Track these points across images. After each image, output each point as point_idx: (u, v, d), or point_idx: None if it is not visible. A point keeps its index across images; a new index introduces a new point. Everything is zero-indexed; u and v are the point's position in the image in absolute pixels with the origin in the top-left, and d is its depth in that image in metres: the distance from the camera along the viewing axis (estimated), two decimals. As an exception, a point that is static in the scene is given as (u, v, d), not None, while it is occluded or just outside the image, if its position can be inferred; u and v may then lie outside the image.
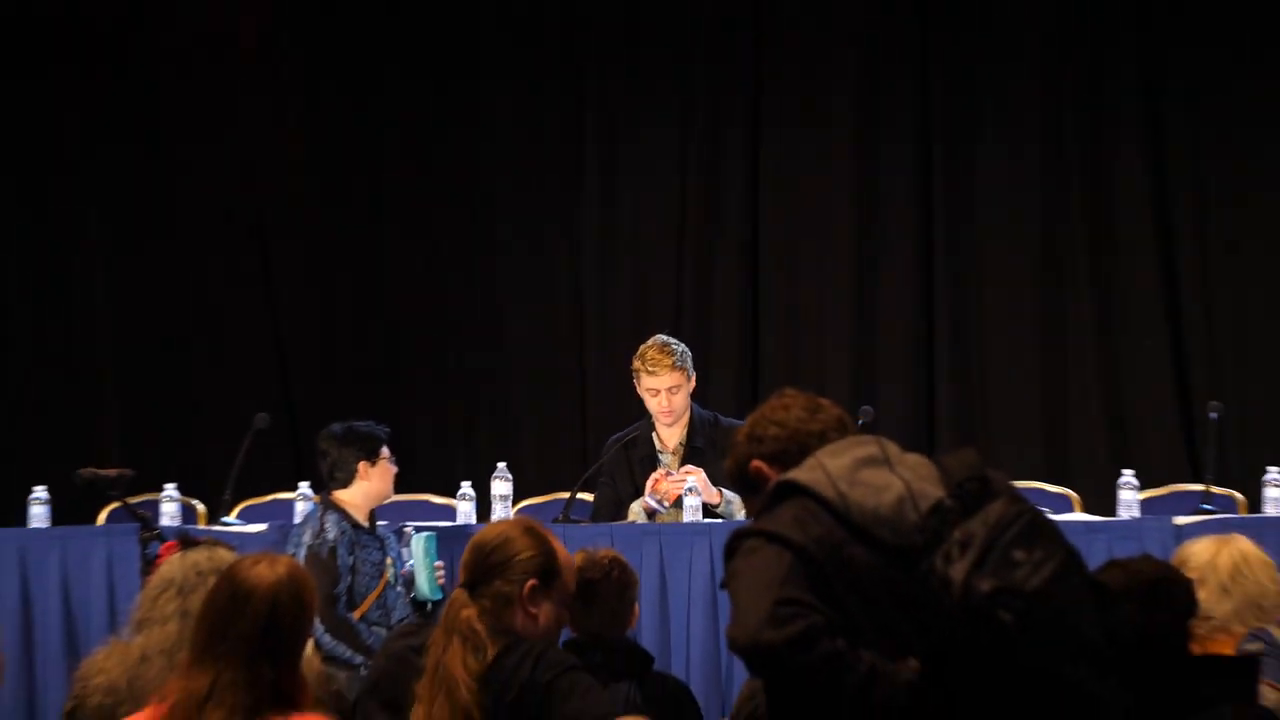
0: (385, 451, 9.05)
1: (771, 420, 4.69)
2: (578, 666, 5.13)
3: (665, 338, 9.71)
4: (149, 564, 6.07)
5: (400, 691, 5.28)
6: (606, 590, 6.54)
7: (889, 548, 4.24)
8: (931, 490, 4.25)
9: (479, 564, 5.27)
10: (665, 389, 9.52)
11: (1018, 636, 3.88)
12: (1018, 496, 4.17)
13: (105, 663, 5.55)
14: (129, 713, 5.11)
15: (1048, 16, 12.22)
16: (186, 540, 5.90)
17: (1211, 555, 6.18)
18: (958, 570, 3.96)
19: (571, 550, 5.64)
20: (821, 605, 4.20)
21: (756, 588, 4.23)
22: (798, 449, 4.55)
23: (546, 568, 5.25)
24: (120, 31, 12.97)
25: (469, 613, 5.19)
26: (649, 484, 9.47)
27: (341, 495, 8.97)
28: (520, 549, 5.26)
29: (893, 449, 4.43)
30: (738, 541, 4.35)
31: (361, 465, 8.98)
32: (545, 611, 5.24)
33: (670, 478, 9.44)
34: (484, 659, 5.11)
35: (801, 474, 4.38)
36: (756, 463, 4.67)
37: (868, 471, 4.33)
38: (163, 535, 8.19)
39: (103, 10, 12.95)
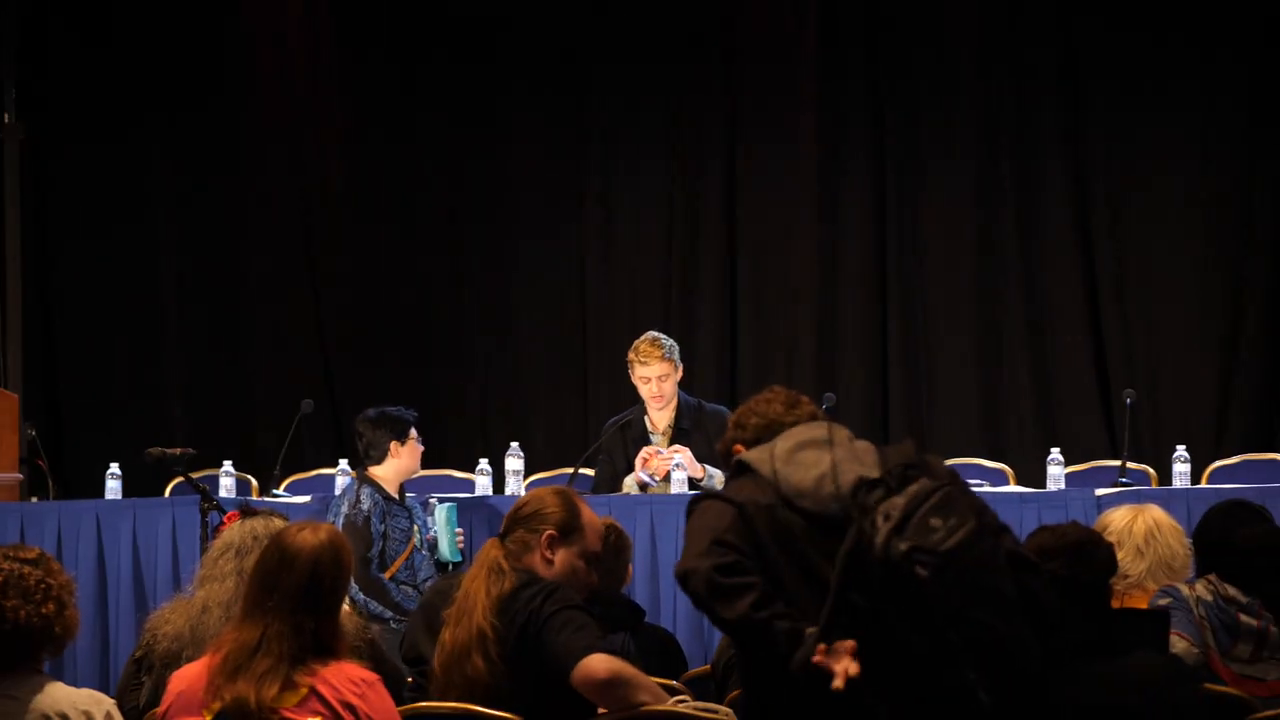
0: (413, 433, 9.00)
1: (754, 412, 4.73)
2: (579, 606, 5.14)
3: (656, 334, 9.69)
4: (215, 530, 6.05)
5: (437, 617, 5.31)
6: (605, 552, 6.50)
7: (810, 514, 4.33)
8: (858, 469, 4.28)
9: (513, 516, 5.36)
10: (656, 377, 9.50)
11: (931, 588, 3.89)
12: (942, 475, 4.17)
13: (171, 615, 5.55)
14: (192, 656, 5.11)
15: (983, 50, 12.19)
16: (247, 510, 5.89)
17: (1128, 522, 6.15)
18: (881, 534, 3.97)
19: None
20: (750, 551, 4.32)
21: (702, 533, 4.34)
22: (771, 437, 4.56)
23: (567, 524, 5.31)
24: (199, 85, 13.01)
25: (496, 552, 5.26)
26: (638, 461, 9.45)
27: (375, 471, 8.93)
28: (547, 506, 5.34)
29: (841, 434, 4.48)
30: (694, 504, 4.47)
31: (393, 444, 8.93)
32: (560, 559, 5.28)
33: (660, 455, 9.42)
34: (502, 588, 5.15)
35: (752, 454, 4.46)
36: (738, 446, 4.69)
37: (805, 452, 4.41)
38: (221, 506, 8.18)
39: (190, 56, 13.01)
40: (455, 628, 5.15)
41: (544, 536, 5.26)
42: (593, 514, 5.40)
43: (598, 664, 4.98)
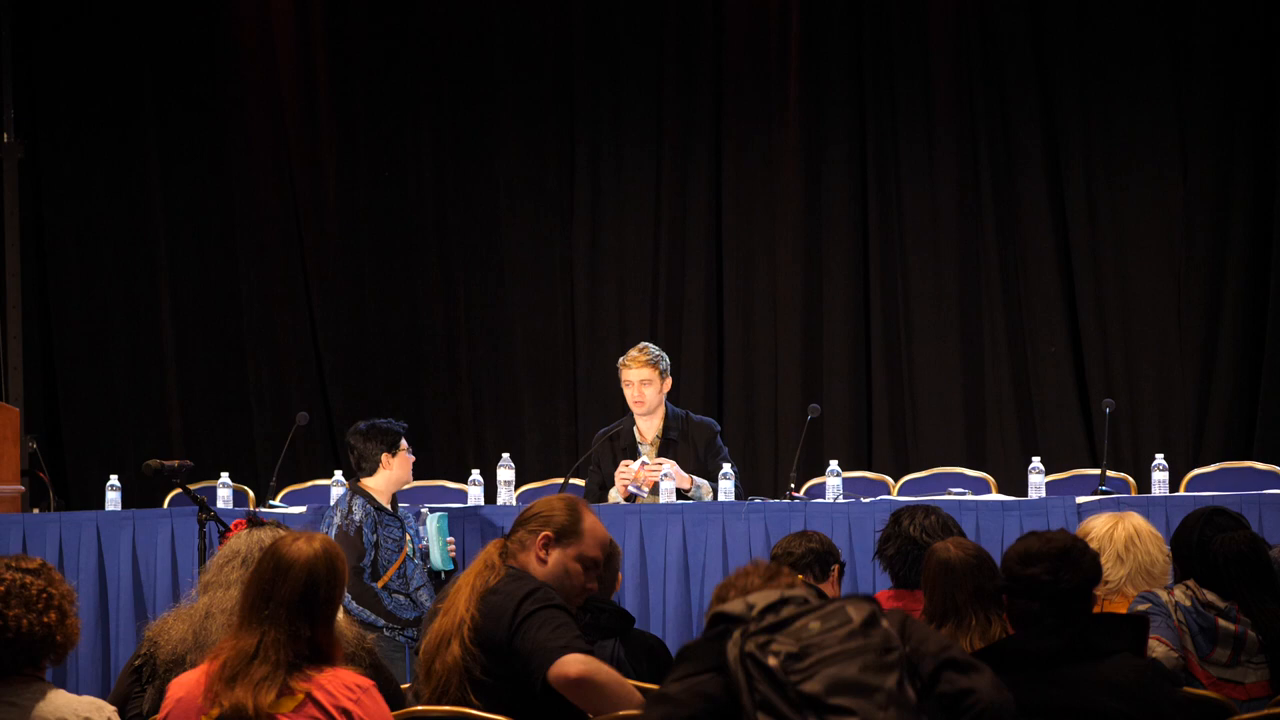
0: (404, 444, 9.01)
1: (733, 585, 4.61)
2: (560, 606, 5.12)
3: (647, 343, 9.77)
4: (222, 537, 6.02)
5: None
6: None
7: None
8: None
9: (519, 518, 5.34)
10: (638, 381, 9.58)
11: (783, 675, 3.83)
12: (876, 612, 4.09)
13: (173, 622, 5.52)
14: (196, 661, 5.10)
15: (961, 67, 12.22)
16: (254, 520, 5.87)
17: (1109, 529, 6.17)
18: (734, 641, 3.91)
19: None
20: None
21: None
22: None
23: (566, 528, 5.26)
24: (194, 104, 13.07)
25: (494, 549, 5.28)
26: (617, 476, 9.49)
27: (368, 482, 8.94)
28: (550, 510, 5.31)
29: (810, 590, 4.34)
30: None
31: (384, 456, 8.95)
32: (553, 559, 5.24)
33: (646, 467, 9.44)
34: (488, 581, 5.16)
35: (727, 605, 4.30)
36: None
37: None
38: (219, 517, 8.17)
39: (183, 73, 13.06)
40: (443, 617, 5.16)
41: (540, 537, 5.24)
42: (597, 523, 5.35)
43: (571, 664, 4.97)
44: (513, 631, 5.05)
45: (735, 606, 4.05)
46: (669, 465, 9.36)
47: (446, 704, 5.02)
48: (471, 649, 5.07)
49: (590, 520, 5.34)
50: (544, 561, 5.24)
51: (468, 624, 5.09)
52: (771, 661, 3.84)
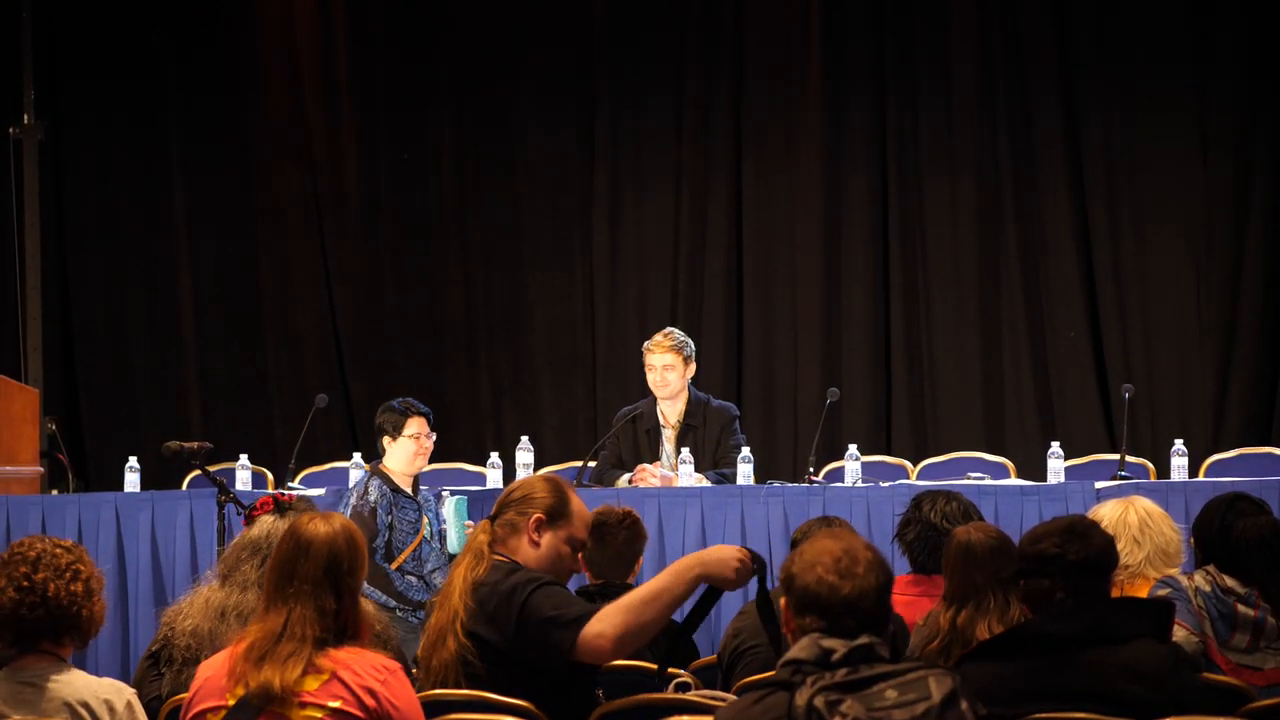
0: (410, 429, 8.95)
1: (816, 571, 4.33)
2: (551, 582, 5.10)
3: (672, 329, 9.91)
4: (249, 513, 5.95)
5: None
6: (620, 537, 6.51)
7: None
8: None
9: (504, 499, 5.32)
10: (661, 366, 9.70)
11: None
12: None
13: (190, 610, 5.50)
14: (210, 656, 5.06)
15: (982, 50, 12.22)
16: (281, 504, 5.79)
17: (1121, 514, 6.21)
18: (806, 690, 3.81)
19: (590, 509, 5.62)
20: None
21: None
22: None
23: (555, 508, 5.24)
24: (214, 87, 13.12)
25: (484, 537, 5.25)
26: (641, 478, 9.54)
27: (386, 463, 8.97)
28: (536, 491, 5.29)
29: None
30: None
31: (385, 440, 8.98)
32: (546, 542, 5.21)
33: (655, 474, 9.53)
34: (478, 572, 5.13)
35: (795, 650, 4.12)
36: None
37: None
38: (238, 499, 8.16)
39: (205, 56, 13.10)
40: (439, 611, 5.15)
41: (531, 519, 5.20)
42: (582, 504, 5.33)
43: (603, 625, 4.95)
44: (516, 622, 5.01)
45: (808, 651, 3.92)
46: (686, 449, 9.45)
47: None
48: (465, 642, 5.05)
49: (576, 501, 5.31)
50: (536, 544, 5.21)
51: (461, 617, 5.07)
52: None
